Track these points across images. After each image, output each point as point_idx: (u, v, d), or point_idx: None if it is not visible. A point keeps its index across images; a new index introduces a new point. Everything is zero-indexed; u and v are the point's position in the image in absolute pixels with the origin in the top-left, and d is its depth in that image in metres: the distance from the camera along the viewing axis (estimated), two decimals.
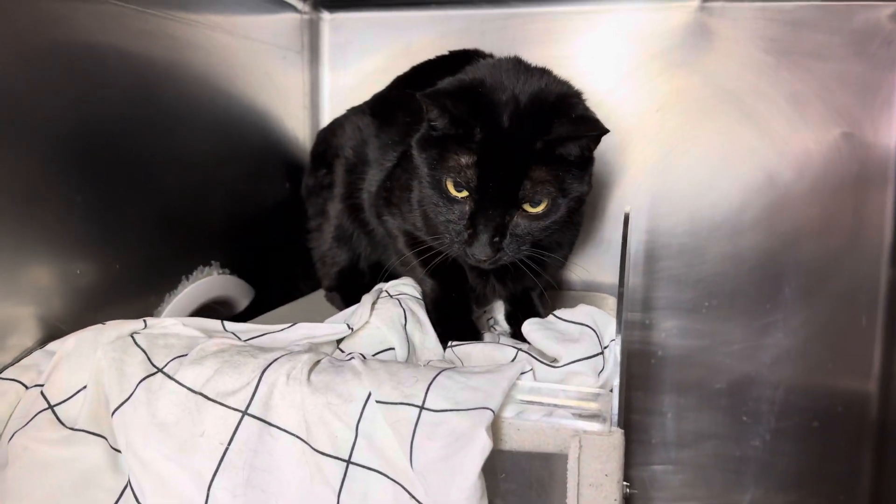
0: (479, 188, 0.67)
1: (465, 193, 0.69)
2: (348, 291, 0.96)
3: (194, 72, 0.91)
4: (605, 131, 0.68)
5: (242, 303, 0.99)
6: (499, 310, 0.92)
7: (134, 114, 0.80)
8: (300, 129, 1.18)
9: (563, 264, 0.91)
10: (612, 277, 1.12)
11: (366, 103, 1.02)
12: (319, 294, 1.04)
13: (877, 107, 1.02)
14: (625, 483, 0.61)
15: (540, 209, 0.69)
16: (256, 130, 1.07)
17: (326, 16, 1.20)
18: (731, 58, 1.06)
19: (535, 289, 0.87)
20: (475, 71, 0.75)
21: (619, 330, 0.55)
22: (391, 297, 0.78)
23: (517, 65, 0.75)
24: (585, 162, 0.72)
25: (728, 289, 1.10)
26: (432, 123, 0.72)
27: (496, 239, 0.68)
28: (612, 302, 1.07)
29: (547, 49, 1.12)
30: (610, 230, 1.13)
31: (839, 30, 1.02)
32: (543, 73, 0.75)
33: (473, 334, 0.78)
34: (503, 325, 0.89)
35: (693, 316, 1.12)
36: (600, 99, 1.09)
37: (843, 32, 1.02)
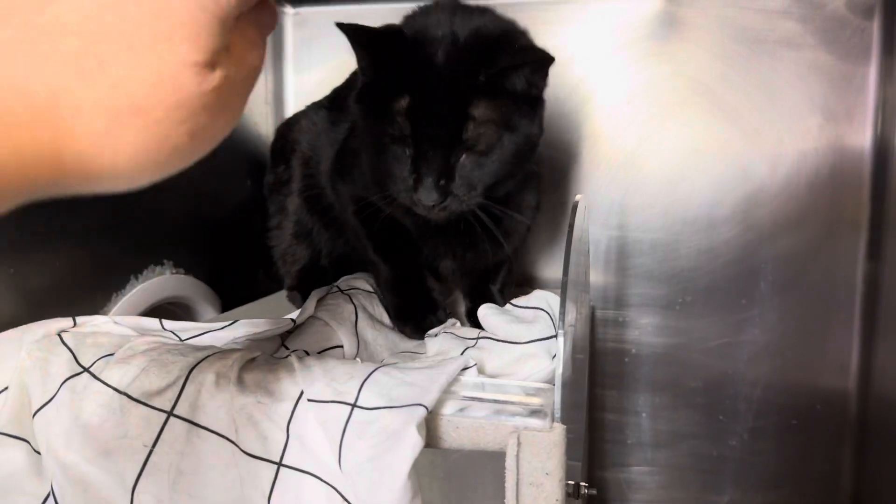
0: (419, 132, 0.64)
1: (400, 138, 0.66)
2: (309, 290, 0.93)
3: None
4: (551, 59, 0.65)
5: (200, 304, 0.96)
6: (459, 303, 0.89)
7: None
8: (263, 126, 1.15)
9: (527, 229, 0.86)
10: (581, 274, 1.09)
11: (325, 98, 0.99)
12: (282, 294, 1.01)
13: (851, 96, 1.00)
14: (583, 484, 0.58)
15: (484, 148, 0.65)
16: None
17: (289, 10, 1.18)
18: (701, 48, 1.03)
19: (497, 272, 0.85)
20: (407, 17, 0.72)
21: (561, 324, 0.52)
22: (342, 292, 0.76)
23: (455, 4, 0.71)
24: (534, 101, 0.69)
25: (703, 284, 1.07)
26: (362, 68, 0.68)
27: (442, 182, 0.65)
28: (584, 300, 1.05)
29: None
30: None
31: (811, 18, 0.99)
32: (485, 10, 0.71)
33: (431, 306, 0.76)
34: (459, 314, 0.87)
35: (667, 312, 1.09)
36: (570, 91, 1.08)
37: (816, 20, 0.99)
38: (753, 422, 1.07)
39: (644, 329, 1.10)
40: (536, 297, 0.67)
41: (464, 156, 0.65)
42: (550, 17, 1.08)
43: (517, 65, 0.64)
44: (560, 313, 0.56)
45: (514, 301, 0.68)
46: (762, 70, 1.02)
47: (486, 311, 0.66)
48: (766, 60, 1.01)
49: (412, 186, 0.65)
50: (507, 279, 0.87)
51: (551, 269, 1.13)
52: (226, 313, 0.92)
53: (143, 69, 0.28)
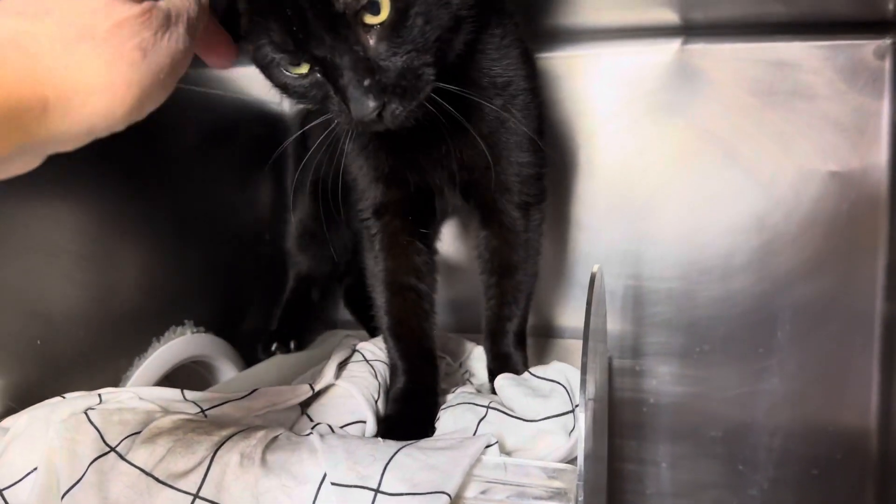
0: (303, 46, 0.52)
1: (305, 65, 0.55)
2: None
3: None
4: None
5: (220, 361, 0.97)
6: (477, 359, 0.90)
7: None
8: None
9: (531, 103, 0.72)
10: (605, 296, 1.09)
11: None
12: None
13: (864, 144, 1.00)
14: None
15: (385, 12, 0.51)
16: (234, 182, 1.07)
17: None
18: (714, 99, 1.04)
19: (516, 299, 0.81)
20: None
21: (582, 402, 0.52)
22: (367, 361, 0.76)
23: None
24: None
25: (720, 333, 1.07)
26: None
27: (367, 82, 0.52)
28: (601, 350, 1.05)
29: None
30: None
31: (823, 69, 1.00)
32: None
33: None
34: (480, 378, 0.87)
35: (685, 361, 1.09)
36: (584, 141, 1.09)
37: (828, 71, 1.00)
38: (774, 471, 1.06)
39: (662, 378, 1.10)
40: (554, 368, 0.67)
41: (369, 37, 0.53)
42: (568, 72, 1.09)
43: None
44: (581, 390, 0.57)
45: (532, 370, 0.68)
46: (775, 120, 1.02)
47: (503, 382, 0.66)
48: (779, 111, 1.02)
49: (343, 108, 0.54)
50: (523, 321, 0.84)
51: (566, 316, 1.13)
52: (245, 372, 0.93)
53: (79, 4, 0.37)
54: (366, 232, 0.78)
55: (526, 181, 0.75)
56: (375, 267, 0.77)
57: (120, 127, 0.39)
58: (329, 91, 0.55)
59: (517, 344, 0.83)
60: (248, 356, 1.03)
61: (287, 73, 0.56)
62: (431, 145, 0.69)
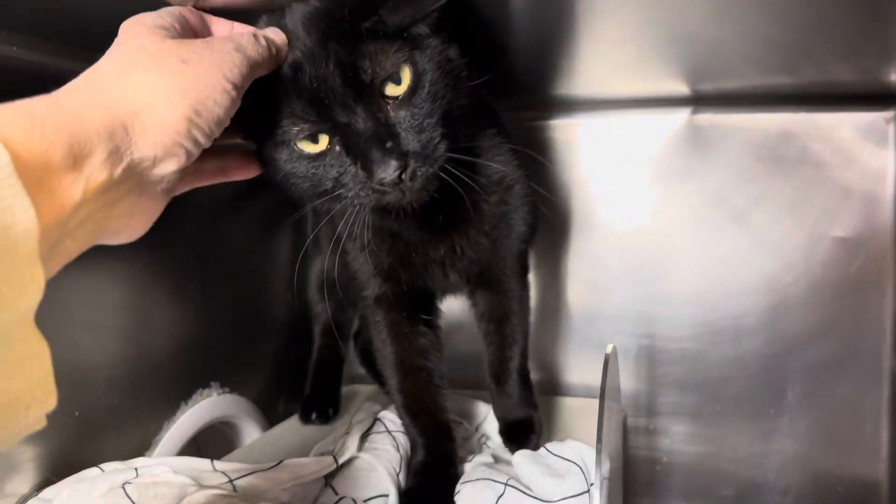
0: (325, 114, 0.55)
1: (324, 139, 0.57)
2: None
3: None
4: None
5: (245, 421, 1.00)
6: (492, 421, 0.92)
7: None
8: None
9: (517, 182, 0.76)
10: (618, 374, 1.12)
11: None
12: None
13: (870, 211, 1.02)
14: None
15: (405, 82, 0.56)
16: (256, 244, 1.11)
17: None
18: (723, 165, 1.07)
19: (514, 348, 0.85)
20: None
21: (597, 482, 0.54)
22: (389, 432, 0.79)
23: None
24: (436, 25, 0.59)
25: (733, 393, 1.09)
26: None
27: (389, 144, 0.55)
28: (616, 409, 1.07)
29: (552, 156, 1.14)
30: (610, 332, 1.13)
31: (829, 138, 1.03)
32: None
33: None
34: (496, 440, 0.89)
35: (698, 421, 1.11)
36: (598, 205, 1.13)
37: (834, 140, 1.03)
38: None
39: (675, 437, 1.12)
40: (570, 447, 0.70)
41: (389, 108, 0.56)
42: (582, 137, 1.13)
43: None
44: (596, 470, 0.59)
45: (548, 446, 0.71)
46: (783, 187, 1.05)
47: (521, 460, 0.69)
48: (787, 177, 1.05)
49: (364, 175, 0.56)
50: (523, 358, 0.87)
51: (578, 374, 1.16)
52: (268, 434, 0.96)
53: (126, 46, 0.47)
54: (371, 318, 0.82)
55: (521, 255, 0.82)
56: (384, 350, 0.81)
57: (200, 134, 0.45)
58: (346, 164, 0.57)
59: (522, 382, 0.86)
60: (270, 413, 1.06)
61: (302, 152, 0.57)
62: (431, 245, 0.73)
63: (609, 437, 0.72)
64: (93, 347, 0.77)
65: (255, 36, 0.52)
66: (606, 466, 0.66)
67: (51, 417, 0.71)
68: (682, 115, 1.08)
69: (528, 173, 0.78)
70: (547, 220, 1.15)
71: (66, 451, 0.73)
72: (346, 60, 0.54)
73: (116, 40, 0.48)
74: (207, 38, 0.49)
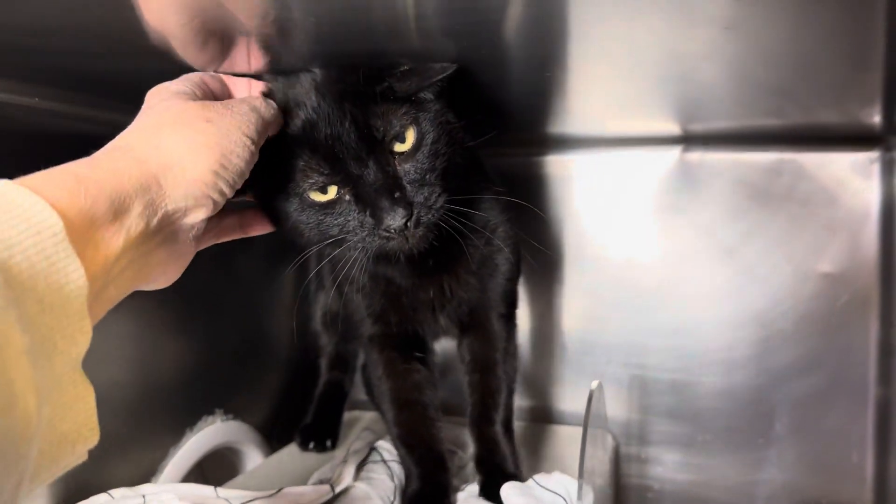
0: (338, 167, 0.60)
1: (332, 189, 0.62)
2: None
3: None
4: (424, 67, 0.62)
5: (247, 447, 1.04)
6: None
7: None
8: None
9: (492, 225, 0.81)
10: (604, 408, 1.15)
11: None
12: None
13: (855, 247, 1.06)
14: None
15: (410, 141, 0.62)
16: (260, 279, 1.14)
17: None
18: (713, 202, 1.11)
19: (498, 399, 0.86)
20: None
21: None
22: (384, 462, 0.82)
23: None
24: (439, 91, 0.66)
25: (722, 424, 1.12)
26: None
27: (397, 195, 0.60)
28: (602, 438, 1.10)
29: (547, 191, 1.19)
30: (602, 363, 1.17)
31: (815, 177, 1.07)
32: None
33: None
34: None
35: (688, 450, 1.13)
36: (593, 238, 1.16)
37: (820, 179, 1.07)
38: None
39: (666, 466, 1.14)
40: (556, 479, 0.73)
41: (396, 161, 0.62)
42: (579, 172, 1.17)
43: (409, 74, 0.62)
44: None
45: (536, 478, 0.74)
46: (771, 223, 1.09)
47: (509, 492, 0.71)
48: (775, 214, 1.08)
49: (373, 221, 0.61)
50: (508, 410, 0.88)
51: (570, 402, 1.19)
52: (269, 461, 0.99)
53: (155, 110, 0.51)
54: (367, 356, 0.87)
55: (505, 294, 0.85)
56: (381, 386, 0.85)
57: (225, 185, 0.49)
58: (353, 213, 0.62)
59: (504, 432, 0.86)
60: (272, 440, 1.09)
61: (312, 202, 0.62)
62: (422, 288, 0.78)
63: (595, 469, 0.75)
64: (101, 376, 0.79)
65: (265, 99, 0.57)
66: (589, 499, 0.69)
67: None
68: (674, 153, 1.12)
69: (509, 216, 0.83)
70: (543, 253, 1.19)
71: (76, 477, 0.77)
72: (360, 119, 0.60)
73: (144, 106, 0.53)
74: (226, 101, 0.54)
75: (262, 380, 1.13)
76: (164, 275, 0.50)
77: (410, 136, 0.63)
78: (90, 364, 0.79)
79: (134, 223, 0.42)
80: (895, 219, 1.03)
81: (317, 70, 0.63)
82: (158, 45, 0.55)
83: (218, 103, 0.53)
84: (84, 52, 0.62)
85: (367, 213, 0.61)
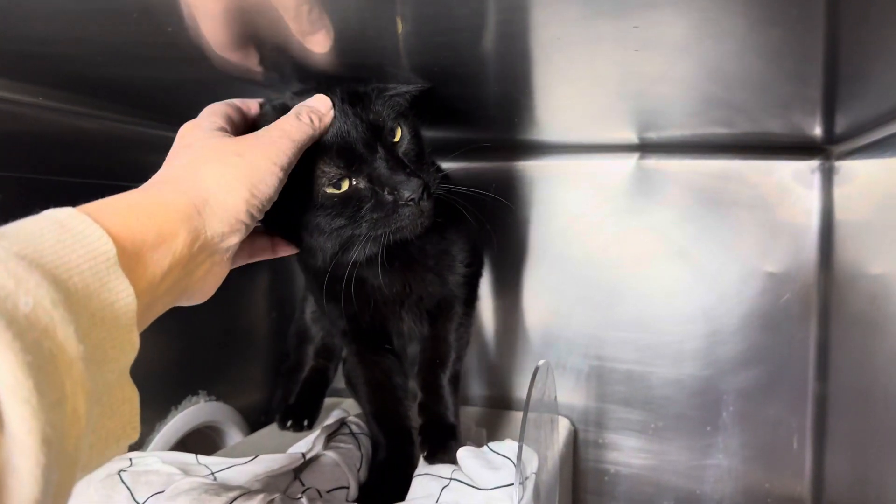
0: (350, 158, 0.68)
1: (345, 183, 0.68)
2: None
3: None
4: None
5: (229, 426, 1.11)
6: None
7: None
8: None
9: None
10: (564, 398, 1.23)
11: None
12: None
13: (797, 249, 1.14)
14: None
15: (399, 135, 0.73)
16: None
17: None
18: (667, 206, 1.19)
19: (447, 358, 0.93)
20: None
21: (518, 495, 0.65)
22: (353, 434, 0.90)
23: None
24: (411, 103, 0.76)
25: (673, 412, 1.20)
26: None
27: (408, 170, 0.69)
28: (564, 423, 1.18)
29: (513, 194, 1.27)
30: (563, 354, 1.25)
31: (761, 183, 1.15)
32: None
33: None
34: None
35: (642, 436, 1.22)
36: (557, 238, 1.25)
37: (765, 185, 1.15)
38: None
39: (622, 451, 1.23)
40: (507, 446, 0.80)
41: (395, 149, 0.72)
42: (544, 176, 1.25)
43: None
44: (517, 472, 0.70)
45: (490, 445, 0.81)
46: (720, 226, 1.17)
47: (464, 454, 0.79)
48: (723, 218, 1.17)
49: (391, 199, 0.68)
50: (455, 370, 0.94)
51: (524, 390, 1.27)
52: (249, 438, 1.07)
53: (196, 146, 0.58)
54: (345, 346, 0.96)
55: (465, 284, 0.92)
56: (356, 371, 0.94)
57: (255, 211, 0.56)
58: (370, 196, 0.69)
59: (450, 385, 0.92)
60: (252, 421, 1.17)
61: (329, 193, 0.68)
62: (389, 286, 0.85)
63: (543, 441, 0.83)
64: None
65: (297, 116, 0.63)
66: (534, 464, 0.77)
67: None
68: (631, 160, 1.20)
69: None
70: (510, 251, 1.28)
71: None
72: (363, 115, 0.69)
73: (181, 142, 0.60)
74: (257, 133, 0.60)
75: (244, 365, 1.20)
76: (201, 290, 0.56)
77: (399, 130, 0.72)
78: None
79: (178, 248, 0.48)
80: (833, 223, 1.11)
81: (318, 84, 0.72)
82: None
83: (249, 136, 0.59)
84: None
85: (385, 191, 0.68)
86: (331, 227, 0.70)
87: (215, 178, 0.54)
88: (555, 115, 1.00)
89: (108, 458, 0.41)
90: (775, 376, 1.16)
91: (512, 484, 0.75)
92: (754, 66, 0.70)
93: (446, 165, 1.21)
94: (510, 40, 0.62)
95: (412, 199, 0.67)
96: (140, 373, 0.99)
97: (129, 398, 0.42)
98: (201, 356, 1.09)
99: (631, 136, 1.13)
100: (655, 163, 1.19)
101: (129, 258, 0.43)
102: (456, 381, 0.94)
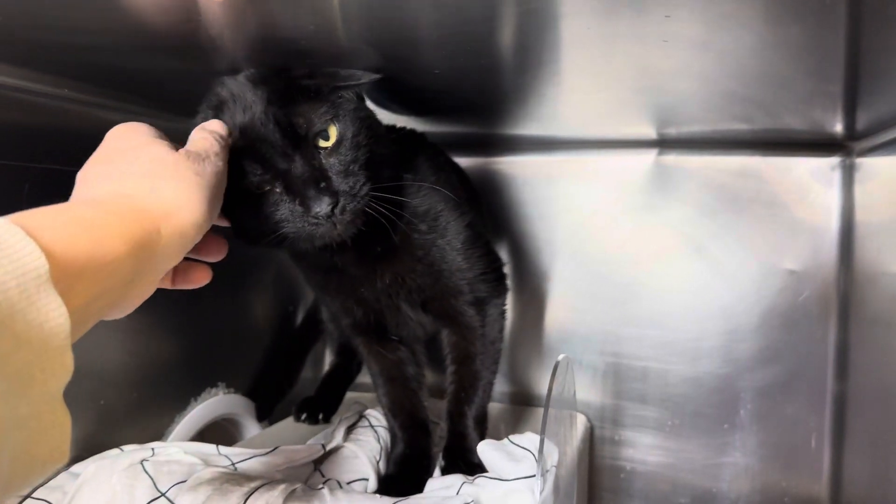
0: (267, 165, 0.66)
1: (265, 185, 0.67)
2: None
3: None
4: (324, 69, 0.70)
5: (246, 419, 1.12)
6: None
7: None
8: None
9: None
10: (581, 394, 1.23)
11: None
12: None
13: (817, 246, 1.13)
14: None
15: (333, 137, 0.68)
16: (262, 263, 1.22)
17: None
18: (685, 202, 1.19)
19: (475, 384, 0.90)
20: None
21: (540, 470, 0.65)
22: (372, 427, 0.90)
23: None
24: (333, 90, 0.71)
25: (690, 410, 1.20)
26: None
27: (323, 185, 0.66)
28: (581, 420, 1.18)
29: (531, 190, 1.27)
30: (580, 351, 1.25)
31: (781, 180, 1.15)
32: None
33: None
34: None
35: (658, 434, 1.21)
36: (575, 234, 1.25)
37: (785, 182, 1.15)
38: None
39: (638, 448, 1.22)
40: (527, 438, 0.81)
41: (321, 156, 0.68)
42: (561, 172, 1.25)
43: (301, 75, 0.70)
44: (538, 465, 0.70)
45: (511, 437, 0.81)
46: (739, 223, 1.17)
47: (485, 447, 0.79)
48: (742, 215, 1.16)
49: (301, 211, 0.66)
50: (482, 404, 0.91)
51: (545, 386, 1.26)
52: (268, 430, 1.08)
53: (145, 161, 0.56)
54: (352, 339, 0.95)
55: (473, 281, 0.87)
56: (369, 364, 0.94)
57: (204, 229, 0.56)
58: (285, 202, 0.67)
59: (476, 426, 0.90)
60: (269, 413, 1.18)
61: (251, 191, 0.67)
62: (378, 276, 0.83)
63: (563, 438, 0.83)
64: (117, 349, 0.89)
65: (217, 136, 0.63)
66: (555, 457, 0.77)
67: (82, 405, 0.83)
68: (650, 156, 1.20)
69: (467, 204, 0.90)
70: (528, 247, 1.28)
71: (93, 435, 0.85)
72: (283, 119, 0.66)
73: (118, 143, 0.58)
74: (196, 152, 0.59)
75: (261, 359, 1.21)
76: (130, 306, 0.53)
77: (333, 132, 0.69)
78: (106, 337, 0.87)
79: (125, 266, 0.45)
80: (854, 220, 1.10)
81: (245, 72, 0.71)
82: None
83: (198, 155, 0.58)
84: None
85: (297, 202, 0.66)
86: (256, 220, 0.69)
87: (178, 196, 0.53)
88: (573, 110, 1.01)
89: (31, 484, 0.38)
90: (794, 375, 1.15)
91: (533, 475, 0.75)
92: (774, 62, 0.70)
93: (462, 161, 1.23)
94: (534, 32, 0.62)
95: (319, 216, 0.66)
96: (160, 365, 1.01)
97: (61, 423, 0.38)
98: (221, 349, 1.10)
99: (650, 132, 1.13)
100: (674, 159, 1.19)
101: (68, 275, 0.40)
102: (482, 417, 0.91)
